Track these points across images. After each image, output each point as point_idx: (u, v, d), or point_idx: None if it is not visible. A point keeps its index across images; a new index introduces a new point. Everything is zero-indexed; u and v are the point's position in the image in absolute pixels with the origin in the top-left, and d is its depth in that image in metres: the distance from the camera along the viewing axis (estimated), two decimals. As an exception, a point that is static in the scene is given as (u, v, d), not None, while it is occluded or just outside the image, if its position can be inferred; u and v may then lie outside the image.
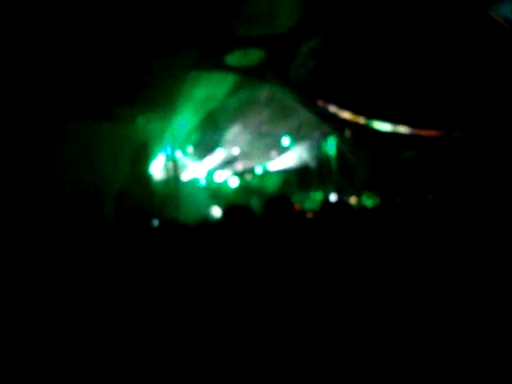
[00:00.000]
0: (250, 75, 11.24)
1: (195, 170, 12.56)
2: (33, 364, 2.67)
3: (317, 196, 14.45)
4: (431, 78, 10.94)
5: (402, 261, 3.37)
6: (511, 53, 9.80)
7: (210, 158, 12.77)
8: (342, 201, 8.74)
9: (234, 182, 13.37)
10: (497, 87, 10.41)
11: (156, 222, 8.19)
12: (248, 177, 13.61)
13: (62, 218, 8.29)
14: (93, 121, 9.96)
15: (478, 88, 10.66)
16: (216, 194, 12.82)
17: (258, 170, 13.80)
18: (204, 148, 12.62)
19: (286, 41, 10.21)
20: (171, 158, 11.82)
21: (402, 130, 13.10)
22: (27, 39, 7.87)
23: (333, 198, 13.70)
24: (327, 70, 11.53)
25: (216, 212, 11.91)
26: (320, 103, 13.03)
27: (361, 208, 12.23)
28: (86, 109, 9.56)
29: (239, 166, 13.48)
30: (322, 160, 15.06)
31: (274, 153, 14.19)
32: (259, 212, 3.41)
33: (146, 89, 9.91)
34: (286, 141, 14.14)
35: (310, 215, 7.79)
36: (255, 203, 12.87)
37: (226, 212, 3.61)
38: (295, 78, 11.97)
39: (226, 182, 13.25)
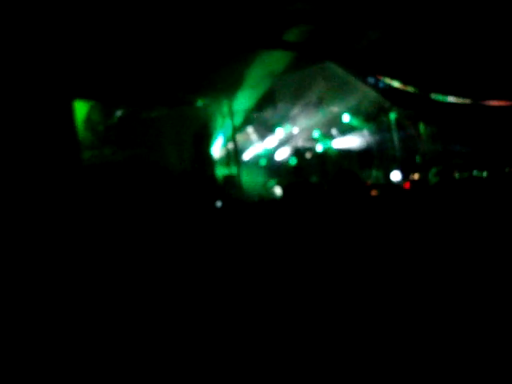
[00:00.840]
0: (308, 51, 11.10)
1: (255, 149, 12.62)
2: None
3: (379, 173, 14.21)
4: (491, 52, 10.55)
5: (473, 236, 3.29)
6: None
7: (270, 137, 12.78)
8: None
9: (295, 160, 13.35)
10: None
11: (219, 203, 8.35)
12: (308, 155, 13.53)
13: (129, 197, 8.61)
14: (157, 105, 10.23)
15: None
16: (277, 172, 12.85)
17: (319, 148, 13.69)
18: (264, 126, 12.64)
19: (346, 16, 10.01)
20: (231, 138, 11.91)
21: (465, 101, 12.69)
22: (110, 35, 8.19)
23: (396, 175, 13.41)
24: (390, 44, 11.25)
25: (277, 190, 11.96)
26: (381, 78, 12.75)
27: (425, 184, 11.96)
28: (152, 94, 9.84)
29: (299, 144, 13.42)
30: (383, 136, 14.75)
31: (334, 130, 14.03)
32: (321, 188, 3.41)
33: (206, 70, 10.02)
34: (346, 118, 13.93)
35: (374, 193, 7.70)
36: (315, 181, 12.81)
37: (286, 188, 3.62)
38: (356, 54, 11.74)
39: (286, 160, 13.24)
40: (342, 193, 3.35)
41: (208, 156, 11.37)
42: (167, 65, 9.56)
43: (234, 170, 11.83)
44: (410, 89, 12.71)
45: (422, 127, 15.50)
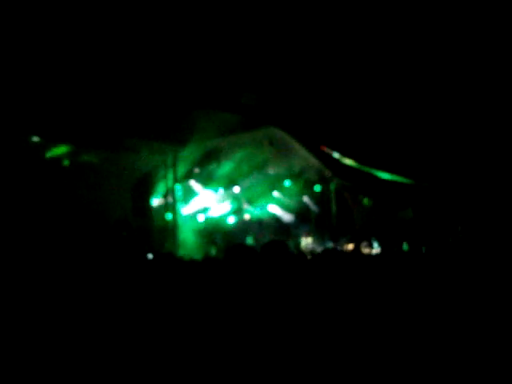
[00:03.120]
0: (252, 115, 11.40)
1: (195, 204, 12.57)
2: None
3: (314, 241, 14.43)
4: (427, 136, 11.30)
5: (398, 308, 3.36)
6: None
7: (210, 194, 12.79)
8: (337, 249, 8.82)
9: (233, 220, 13.37)
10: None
11: (150, 255, 8.16)
12: (246, 216, 13.61)
13: (62, 241, 8.32)
14: (99, 149, 10.08)
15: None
16: (214, 230, 12.79)
17: (258, 211, 13.81)
18: (205, 183, 12.66)
19: (288, 85, 10.44)
20: (172, 191, 11.83)
21: (400, 179, 13.39)
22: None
23: (330, 244, 13.69)
24: (333, 117, 11.76)
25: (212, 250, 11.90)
26: (324, 149, 13.20)
27: (358, 255, 12.22)
28: (94, 137, 9.70)
29: (239, 204, 13.49)
30: (321, 205, 15.09)
31: (275, 193, 14.22)
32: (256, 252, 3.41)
33: (152, 121, 10.05)
34: (287, 183, 14.19)
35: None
36: (250, 242, 12.82)
37: (228, 251, 3.60)
38: (300, 122, 12.17)
39: (224, 218, 13.23)
40: (270, 263, 3.36)
41: (146, 205, 11.22)
42: (115, 109, 9.52)
43: (171, 223, 11.68)
44: (349, 162, 13.21)
45: (365, 200, 16.00)
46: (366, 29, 9.20)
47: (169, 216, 11.64)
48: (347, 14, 8.89)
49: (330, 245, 13.59)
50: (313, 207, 15.00)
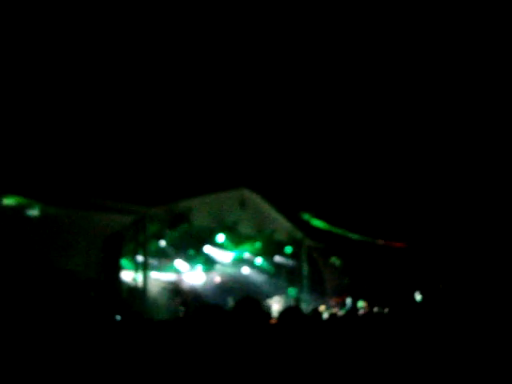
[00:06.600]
0: (225, 178, 11.57)
1: (165, 265, 12.44)
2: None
3: (285, 299, 14.36)
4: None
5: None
6: None
7: (181, 255, 12.69)
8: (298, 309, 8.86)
9: (206, 281, 13.24)
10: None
11: (118, 317, 7.99)
12: (217, 278, 13.52)
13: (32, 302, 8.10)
14: (68, 208, 10.00)
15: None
16: (184, 290, 12.63)
17: (232, 270, 13.75)
18: (176, 243, 12.57)
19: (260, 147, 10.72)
20: (142, 252, 11.68)
21: (369, 240, 13.69)
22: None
23: (301, 304, 13.63)
24: (304, 180, 12.08)
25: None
26: (297, 214, 13.45)
27: (330, 316, 12.20)
28: (63, 195, 9.65)
29: (212, 265, 13.41)
30: (293, 266, 15.12)
31: (247, 255, 14.19)
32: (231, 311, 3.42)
33: (121, 181, 10.10)
34: (259, 244, 14.19)
35: (273, 321, 7.78)
36: (230, 302, 12.65)
37: (198, 310, 3.59)
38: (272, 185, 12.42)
39: (196, 279, 13.10)
40: (243, 320, 3.38)
41: (116, 265, 11.05)
42: (84, 168, 9.55)
43: (141, 285, 11.47)
44: (320, 223, 13.44)
45: (335, 260, 16.10)
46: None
47: (138, 276, 11.46)
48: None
49: (303, 305, 13.53)
50: (284, 268, 15.01)
